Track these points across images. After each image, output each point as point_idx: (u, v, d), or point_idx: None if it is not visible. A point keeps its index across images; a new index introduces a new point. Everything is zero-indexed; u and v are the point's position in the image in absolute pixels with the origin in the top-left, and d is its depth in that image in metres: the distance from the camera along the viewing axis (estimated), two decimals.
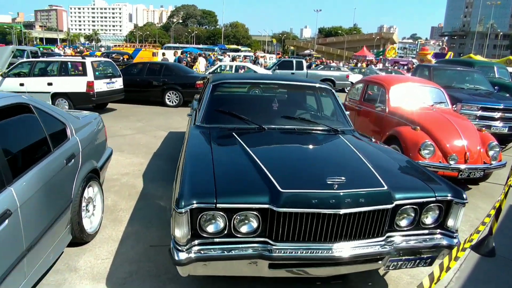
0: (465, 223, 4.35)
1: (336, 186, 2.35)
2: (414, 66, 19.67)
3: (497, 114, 7.87)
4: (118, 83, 11.03)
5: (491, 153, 5.18)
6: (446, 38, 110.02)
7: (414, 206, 2.50)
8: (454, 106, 6.41)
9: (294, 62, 16.92)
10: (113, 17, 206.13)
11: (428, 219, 2.60)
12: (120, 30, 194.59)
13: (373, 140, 3.69)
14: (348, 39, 78.37)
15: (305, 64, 17.01)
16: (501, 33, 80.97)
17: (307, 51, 59.64)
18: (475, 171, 4.89)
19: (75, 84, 9.93)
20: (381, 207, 2.36)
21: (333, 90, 4.49)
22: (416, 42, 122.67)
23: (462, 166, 4.88)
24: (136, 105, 12.15)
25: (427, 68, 9.58)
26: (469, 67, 10.67)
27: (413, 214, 2.53)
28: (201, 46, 66.88)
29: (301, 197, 2.31)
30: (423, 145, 4.95)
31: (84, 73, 9.98)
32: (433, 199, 2.52)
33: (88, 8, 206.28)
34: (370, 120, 6.51)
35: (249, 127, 3.59)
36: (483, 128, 5.52)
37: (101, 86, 10.21)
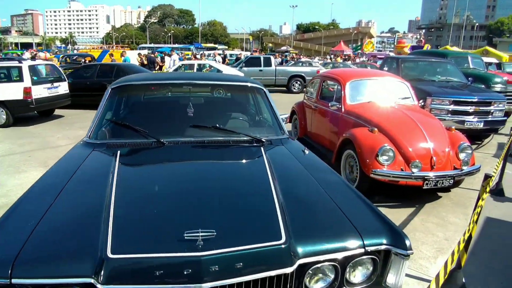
0: (431, 246, 3.55)
1: (201, 244, 1.48)
2: None
3: (470, 108, 7.16)
4: (62, 88, 9.97)
5: (462, 156, 4.41)
6: (424, 31, 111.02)
7: (333, 263, 1.65)
8: (420, 101, 5.63)
9: (262, 59, 16.04)
10: (90, 19, 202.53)
11: (357, 277, 1.75)
12: (97, 32, 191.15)
13: (307, 152, 2.83)
14: (326, 35, 78.13)
15: (273, 60, 16.16)
16: (477, 24, 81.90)
17: (283, 48, 58.98)
18: (443, 179, 4.10)
19: (11, 91, 8.84)
20: (273, 272, 1.50)
21: (265, 90, 3.62)
22: (394, 36, 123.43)
23: (428, 174, 4.09)
24: (87, 110, 11.07)
25: (395, 60, 8.83)
26: (442, 58, 9.97)
27: (332, 274, 1.68)
28: (176, 45, 65.32)
29: (136, 265, 1.43)
30: (380, 150, 4.13)
31: (20, 79, 8.91)
32: (361, 250, 1.67)
33: (64, 11, 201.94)
34: (326, 121, 5.69)
35: (144, 142, 2.70)
36: (452, 127, 4.74)
37: (40, 92, 9.15)
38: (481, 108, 7.22)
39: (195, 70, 13.66)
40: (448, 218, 4.15)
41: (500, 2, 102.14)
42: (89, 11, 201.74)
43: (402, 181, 4.12)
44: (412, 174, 4.03)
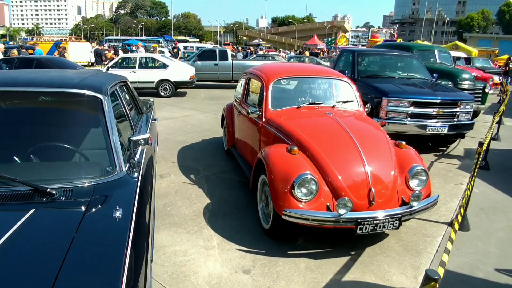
0: None
1: None
2: None
3: (433, 111, 6.03)
4: None
5: (413, 183, 3.20)
6: (397, 25, 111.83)
7: None
8: (367, 105, 4.40)
9: (218, 52, 14.59)
10: (58, 10, 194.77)
11: None
12: (67, 24, 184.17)
13: (118, 215, 1.53)
14: (300, 28, 77.23)
15: (229, 53, 14.75)
16: (448, 20, 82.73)
17: (255, 41, 57.61)
18: (384, 221, 2.87)
19: None
20: None
21: (102, 99, 2.29)
22: (369, 31, 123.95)
23: (362, 215, 2.85)
24: None
25: (351, 53, 7.63)
26: (406, 52, 8.84)
27: None
28: (145, 37, 62.79)
29: None
30: (298, 179, 2.87)
31: None
32: None
33: (30, 1, 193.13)
34: (249, 130, 4.40)
35: None
36: (403, 142, 3.53)
37: None
38: (445, 110, 6.10)
39: (137, 64, 12.11)
40: (390, 276, 2.93)
41: None
42: (58, 1, 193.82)
43: (326, 225, 2.87)
44: (340, 217, 2.79)
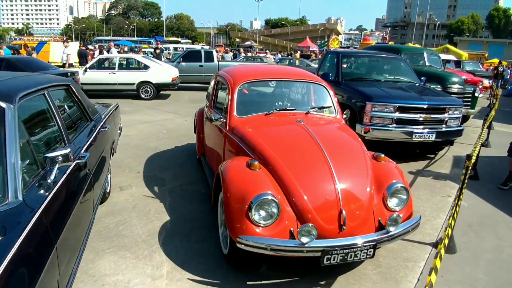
0: None
1: None
2: None
3: (420, 116, 5.66)
4: None
5: (392, 203, 2.79)
6: (389, 29, 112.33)
7: None
8: (345, 112, 4.00)
9: (203, 53, 14.14)
10: (49, 10, 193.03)
11: None
12: (58, 24, 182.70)
13: None
14: (293, 31, 77.13)
15: (215, 55, 14.31)
16: (438, 23, 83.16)
17: (247, 43, 57.30)
18: (356, 250, 2.46)
19: None
20: None
21: (6, 108, 1.85)
22: (361, 34, 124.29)
23: (330, 243, 2.43)
24: None
25: (336, 55, 7.24)
26: (394, 54, 8.48)
27: None
28: (135, 38, 62.12)
29: None
30: (256, 200, 2.45)
31: None
32: None
33: (21, 0, 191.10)
34: (215, 139, 3.96)
35: None
36: (381, 155, 3.12)
37: None
38: (432, 116, 5.73)
39: (116, 65, 11.60)
40: None
41: (460, 2, 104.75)
42: (49, 0, 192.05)
43: (289, 254, 2.45)
44: (303, 246, 2.36)
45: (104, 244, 3.29)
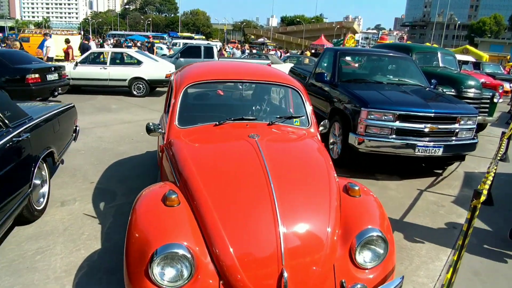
0: None
1: None
2: None
3: (425, 127, 4.80)
4: None
5: (363, 258, 2.00)
6: (408, 28, 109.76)
7: None
8: (322, 123, 3.19)
9: (202, 49, 13.42)
10: (69, 4, 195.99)
11: None
12: (77, 18, 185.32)
13: None
14: (309, 28, 75.91)
15: (215, 51, 13.57)
16: (458, 23, 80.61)
17: (260, 40, 56.45)
18: None
19: None
20: None
21: None
22: (378, 32, 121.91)
23: None
24: None
25: (333, 52, 6.40)
26: (402, 54, 7.58)
27: None
28: (148, 33, 61.90)
29: None
30: (160, 253, 1.70)
31: None
32: None
33: None
34: (156, 158, 3.22)
35: None
36: (356, 187, 2.32)
37: None
38: (440, 126, 4.87)
39: (108, 60, 10.96)
40: None
41: (483, 2, 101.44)
42: None
43: None
44: None
45: (8, 280, 2.61)
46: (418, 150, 4.77)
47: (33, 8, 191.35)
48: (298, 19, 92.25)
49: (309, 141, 2.82)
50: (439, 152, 4.84)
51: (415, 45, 11.16)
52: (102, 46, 17.75)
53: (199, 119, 2.93)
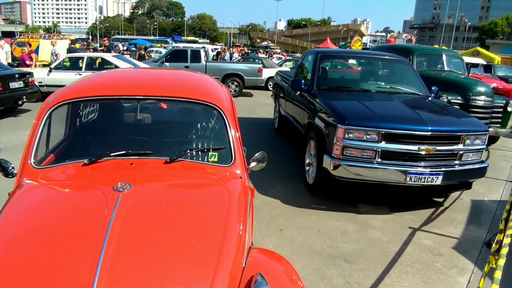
0: None
1: None
2: None
3: (419, 148, 3.75)
4: None
5: None
6: (416, 30, 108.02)
7: None
8: (253, 158, 2.16)
9: (189, 53, 12.47)
10: (79, 9, 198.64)
11: None
12: (86, 23, 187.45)
13: None
14: (315, 31, 74.94)
15: (203, 54, 12.61)
16: (468, 25, 78.72)
17: (264, 43, 55.64)
18: None
19: None
20: None
21: None
22: (386, 35, 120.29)
23: None
24: None
25: (314, 55, 5.38)
26: (399, 56, 6.51)
27: None
28: (152, 37, 61.45)
29: None
30: None
31: None
32: None
33: (52, 0, 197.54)
34: None
35: None
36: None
37: None
38: (439, 147, 3.81)
39: (84, 65, 10.09)
40: None
41: (494, 3, 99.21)
42: (78, 0, 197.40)
43: None
44: None
45: None
46: (410, 179, 3.72)
47: (43, 13, 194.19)
48: (304, 22, 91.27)
49: (219, 190, 1.81)
50: (438, 180, 3.78)
51: (417, 47, 10.08)
52: (109, 51, 16.89)
53: (67, 154, 1.96)
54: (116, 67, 10.28)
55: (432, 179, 3.76)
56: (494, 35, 68.79)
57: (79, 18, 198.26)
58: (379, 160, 3.74)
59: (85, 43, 39.53)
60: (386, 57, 5.62)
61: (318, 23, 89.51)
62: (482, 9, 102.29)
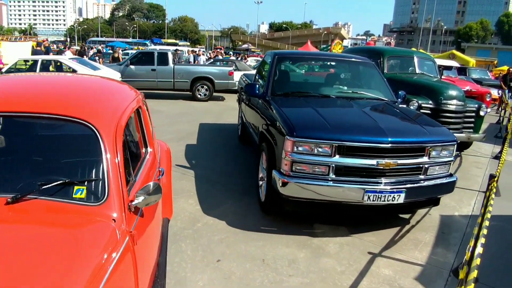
0: None
1: None
2: None
3: (379, 163, 3.28)
4: None
5: None
6: (395, 34, 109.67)
7: None
8: (142, 190, 1.63)
9: (156, 55, 11.83)
10: (57, 11, 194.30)
11: None
12: (64, 25, 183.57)
13: None
14: (296, 34, 75.15)
15: (170, 57, 11.99)
16: (444, 28, 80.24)
17: (244, 46, 55.28)
18: None
19: None
20: None
21: None
22: (367, 39, 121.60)
23: None
24: None
25: (272, 56, 4.89)
26: (364, 58, 6.08)
27: None
28: (130, 40, 60.23)
29: None
30: None
31: None
32: None
33: (29, 1, 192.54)
34: None
35: None
36: None
37: None
38: (401, 161, 3.36)
39: (38, 68, 9.36)
40: None
41: (469, 8, 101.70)
42: (56, 1, 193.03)
43: None
44: None
45: None
46: (369, 198, 3.25)
47: (20, 15, 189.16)
48: (285, 25, 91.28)
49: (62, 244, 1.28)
50: (400, 198, 3.32)
51: (388, 48, 9.76)
52: (82, 54, 16.06)
53: None
54: (73, 70, 9.63)
55: (393, 197, 3.30)
56: (469, 39, 70.24)
57: (57, 20, 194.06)
58: (333, 176, 3.26)
59: (61, 44, 38.20)
60: (351, 59, 5.18)
61: (299, 26, 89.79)
62: (458, 14, 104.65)
